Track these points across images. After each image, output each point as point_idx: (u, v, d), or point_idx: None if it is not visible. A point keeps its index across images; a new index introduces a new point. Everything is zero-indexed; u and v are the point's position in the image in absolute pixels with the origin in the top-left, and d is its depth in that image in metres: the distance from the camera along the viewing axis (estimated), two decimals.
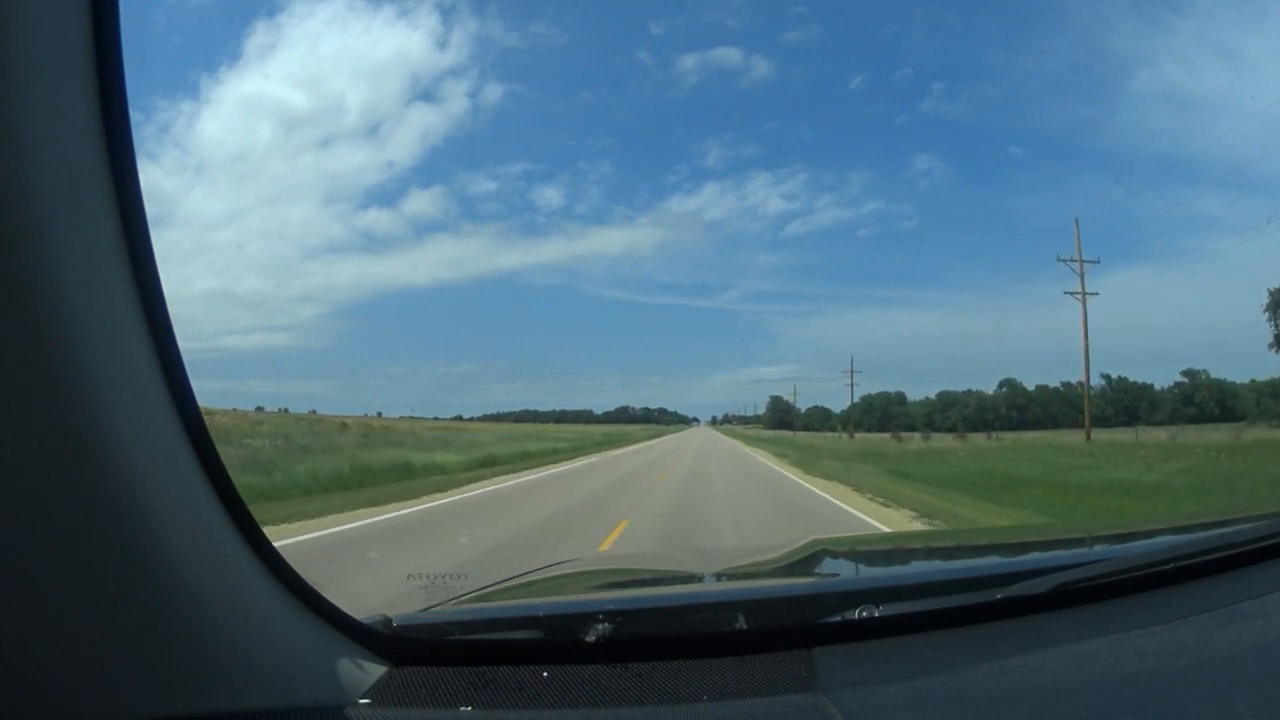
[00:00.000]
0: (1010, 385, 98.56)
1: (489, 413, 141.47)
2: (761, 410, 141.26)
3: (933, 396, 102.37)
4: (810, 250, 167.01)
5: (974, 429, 76.58)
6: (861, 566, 1.98)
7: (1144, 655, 1.03)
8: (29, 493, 0.68)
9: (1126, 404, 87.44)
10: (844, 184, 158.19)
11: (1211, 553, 1.33)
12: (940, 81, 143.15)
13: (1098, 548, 1.84)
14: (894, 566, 1.98)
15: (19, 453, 0.67)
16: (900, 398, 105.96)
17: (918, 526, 9.42)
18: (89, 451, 0.69)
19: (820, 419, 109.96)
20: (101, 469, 0.70)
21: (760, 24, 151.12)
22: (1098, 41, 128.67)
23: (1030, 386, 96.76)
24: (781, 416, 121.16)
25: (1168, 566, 1.27)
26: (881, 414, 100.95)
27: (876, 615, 1.13)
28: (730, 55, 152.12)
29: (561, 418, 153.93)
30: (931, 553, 2.29)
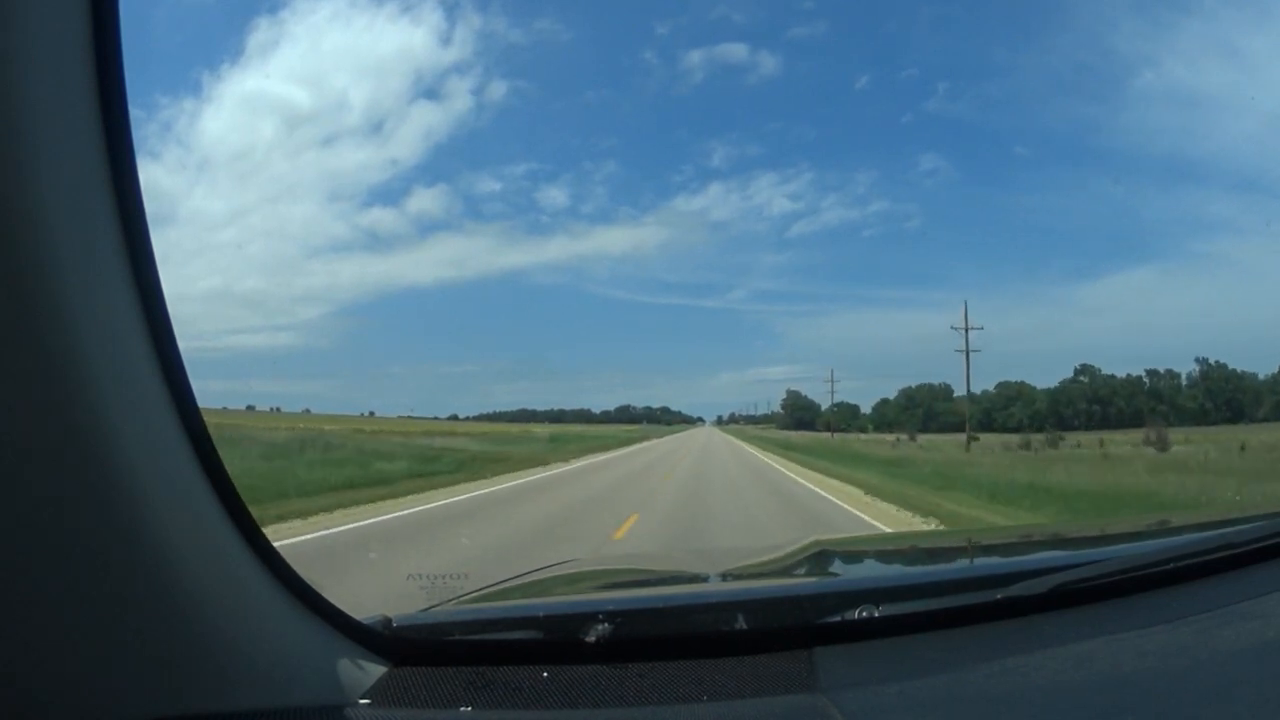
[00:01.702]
0: (1090, 374, 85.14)
1: (486, 412, 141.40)
2: (772, 408, 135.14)
3: (990, 389, 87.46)
4: (815, 250, 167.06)
5: (1040, 428, 65.09)
6: (862, 566, 1.98)
7: (1144, 655, 1.03)
8: (29, 493, 0.68)
9: (1229, 396, 76.10)
10: (849, 184, 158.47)
11: (1211, 553, 1.33)
12: (945, 81, 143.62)
13: (1098, 548, 1.84)
14: (894, 566, 1.98)
15: (19, 453, 0.66)
16: (946, 391, 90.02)
17: None
18: (89, 452, 0.69)
19: (847, 417, 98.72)
20: (101, 469, 0.70)
21: (765, 20, 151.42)
22: (1102, 41, 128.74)
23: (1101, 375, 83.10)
24: (801, 415, 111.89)
25: (1168, 566, 1.27)
26: (925, 410, 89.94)
27: (876, 615, 1.13)
28: (736, 51, 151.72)
29: (560, 417, 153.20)
30: (931, 553, 2.29)
